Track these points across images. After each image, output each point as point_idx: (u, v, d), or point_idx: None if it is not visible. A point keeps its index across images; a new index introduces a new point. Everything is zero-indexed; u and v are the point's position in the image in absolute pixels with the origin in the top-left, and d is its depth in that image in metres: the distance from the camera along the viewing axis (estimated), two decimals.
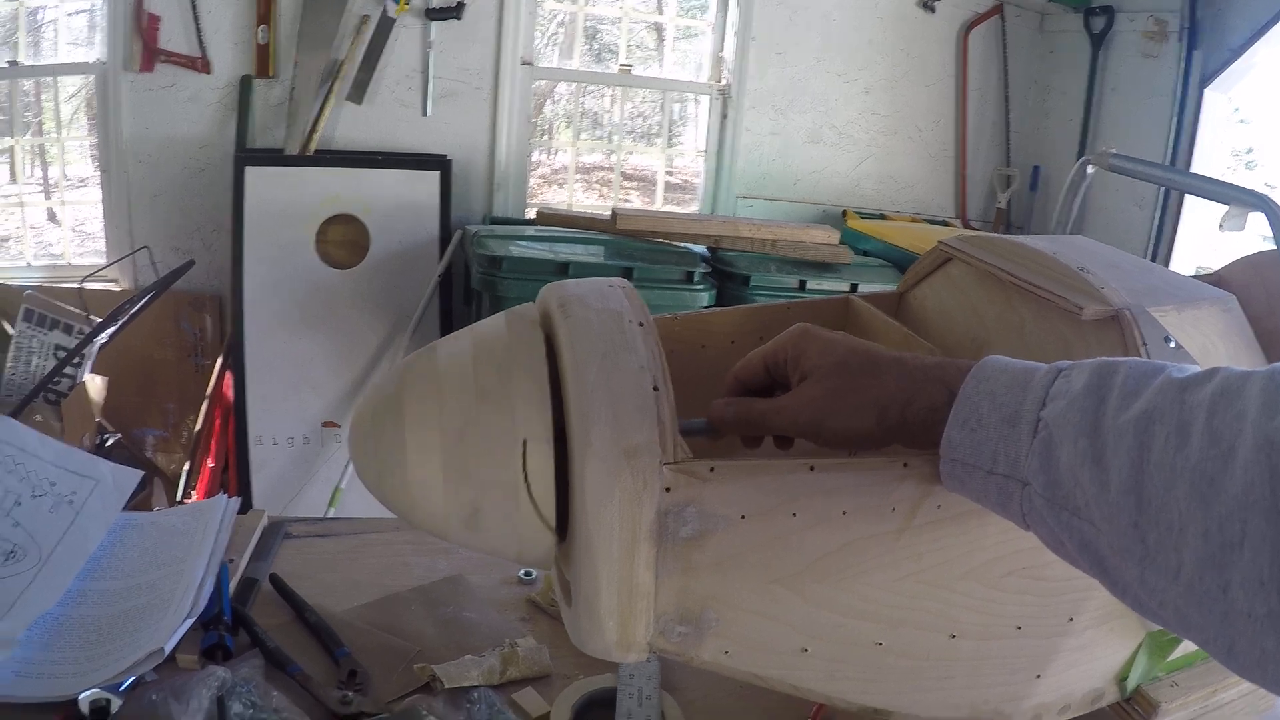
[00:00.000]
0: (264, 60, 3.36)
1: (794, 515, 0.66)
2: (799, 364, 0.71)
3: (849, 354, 0.69)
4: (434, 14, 3.45)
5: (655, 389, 0.66)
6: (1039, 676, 0.79)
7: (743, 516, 0.65)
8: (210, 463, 3.44)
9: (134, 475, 1.28)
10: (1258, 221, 1.97)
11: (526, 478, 0.68)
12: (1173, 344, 0.80)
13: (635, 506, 0.63)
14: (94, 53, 3.41)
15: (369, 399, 0.73)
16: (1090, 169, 2.28)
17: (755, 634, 0.70)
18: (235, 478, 3.38)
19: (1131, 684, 0.86)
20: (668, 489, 0.64)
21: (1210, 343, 0.86)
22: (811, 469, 0.66)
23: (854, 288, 3.10)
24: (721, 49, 3.92)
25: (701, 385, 0.86)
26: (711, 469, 0.64)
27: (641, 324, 0.71)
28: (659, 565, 0.65)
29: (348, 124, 3.50)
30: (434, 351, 0.74)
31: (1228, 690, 0.89)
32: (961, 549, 0.71)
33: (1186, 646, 0.87)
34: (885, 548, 0.69)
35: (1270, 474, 0.47)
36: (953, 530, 0.70)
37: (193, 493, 3.38)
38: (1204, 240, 3.52)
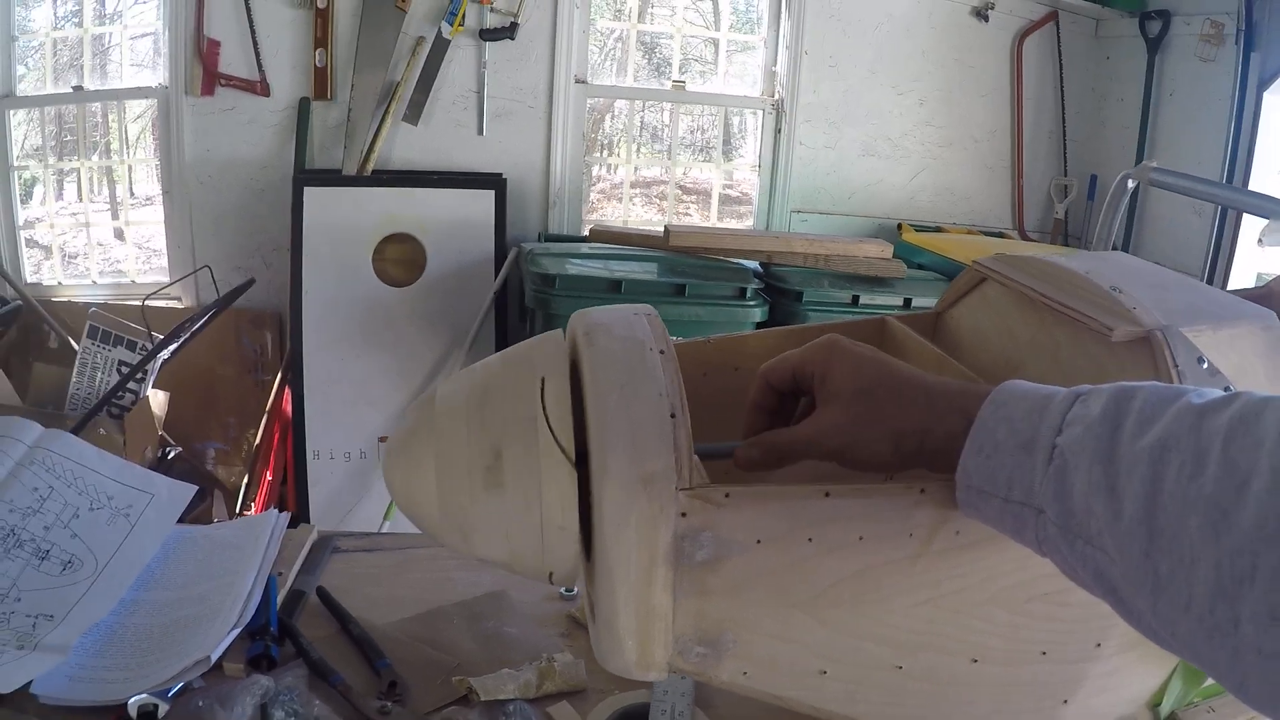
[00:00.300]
0: (322, 83, 3.43)
1: (810, 541, 0.67)
2: (825, 382, 0.71)
3: (875, 380, 0.69)
4: (488, 34, 3.50)
5: (673, 416, 0.67)
6: (1066, 702, 0.78)
7: (758, 541, 0.66)
8: (269, 476, 3.50)
9: (188, 490, 1.31)
10: None
11: (545, 410, 0.70)
12: (1205, 365, 0.78)
13: (652, 531, 0.64)
14: (157, 76, 3.50)
15: (405, 416, 0.77)
16: (1131, 184, 2.25)
17: (773, 656, 0.70)
18: (293, 491, 3.44)
19: (1165, 710, 0.84)
20: (684, 514, 0.64)
21: (1247, 363, 0.83)
22: (827, 495, 0.67)
23: (908, 302, 3.08)
24: (774, 63, 3.92)
25: (735, 407, 0.86)
26: (726, 495, 0.65)
27: (663, 351, 0.72)
28: (676, 588, 0.66)
29: (404, 144, 3.55)
30: (466, 369, 0.78)
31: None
32: (982, 574, 0.71)
33: None
34: (903, 573, 0.69)
35: None
36: (972, 556, 0.70)
37: (252, 505, 3.44)
38: (1265, 251, 3.45)
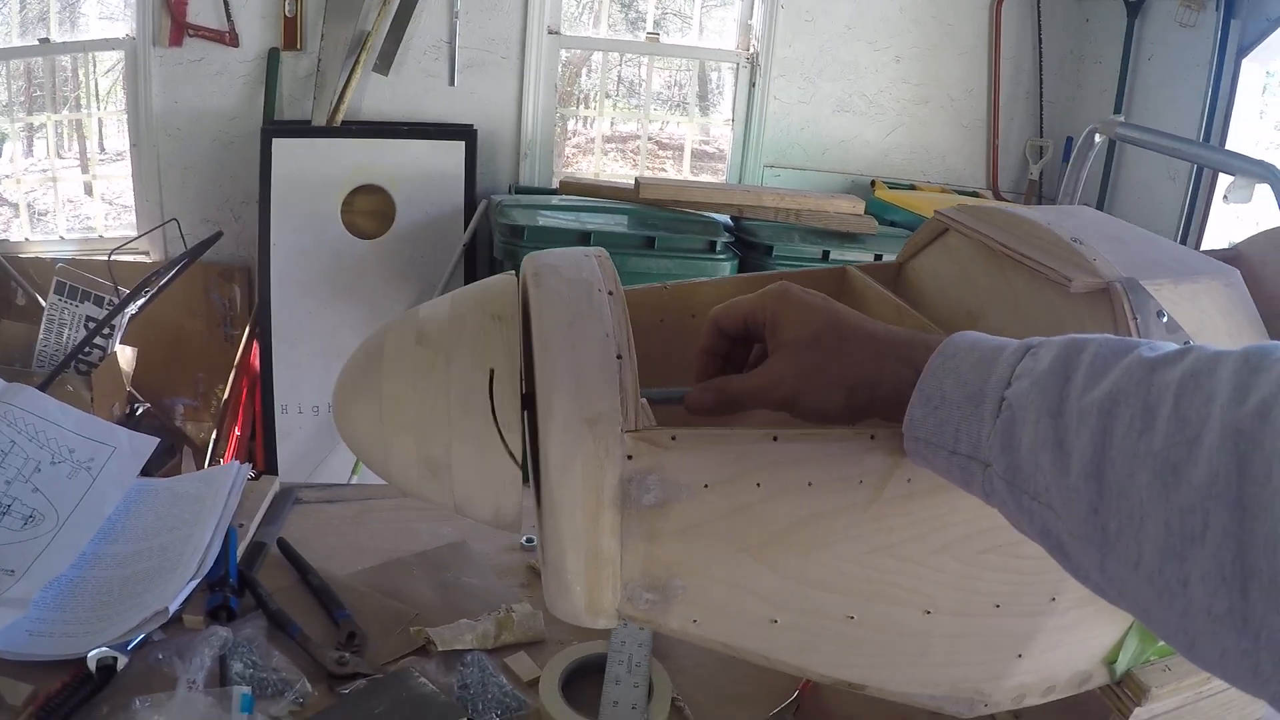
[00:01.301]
0: (291, 33, 3.38)
1: (758, 485, 0.66)
2: (776, 330, 0.70)
3: (824, 329, 0.68)
4: None
5: (619, 357, 0.66)
6: (1020, 656, 0.78)
7: (705, 485, 0.66)
8: (238, 431, 3.49)
9: (150, 442, 1.30)
10: (1264, 194, 1.93)
11: (494, 411, 0.69)
12: (1165, 319, 0.77)
13: (598, 473, 0.64)
14: (125, 27, 3.44)
15: (352, 356, 0.76)
16: (1097, 138, 2.25)
17: (723, 603, 0.70)
18: (262, 446, 3.43)
19: (1121, 667, 0.84)
20: (629, 456, 0.64)
21: (1208, 318, 0.82)
22: (775, 439, 0.66)
23: (878, 258, 3.07)
24: (750, 16, 3.89)
25: (689, 353, 0.85)
26: (673, 437, 0.65)
27: (611, 293, 0.71)
28: (623, 532, 0.65)
29: (374, 95, 3.51)
30: (415, 310, 0.77)
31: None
32: (934, 524, 0.71)
33: None
34: (854, 520, 0.69)
35: (1237, 464, 0.44)
36: (924, 504, 0.70)
37: (220, 460, 3.42)
38: (1238, 215, 3.46)
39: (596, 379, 0.65)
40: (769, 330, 0.71)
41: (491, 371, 0.70)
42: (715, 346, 0.77)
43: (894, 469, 0.68)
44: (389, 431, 0.72)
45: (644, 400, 0.67)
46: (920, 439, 0.63)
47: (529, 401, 0.70)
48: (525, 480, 0.71)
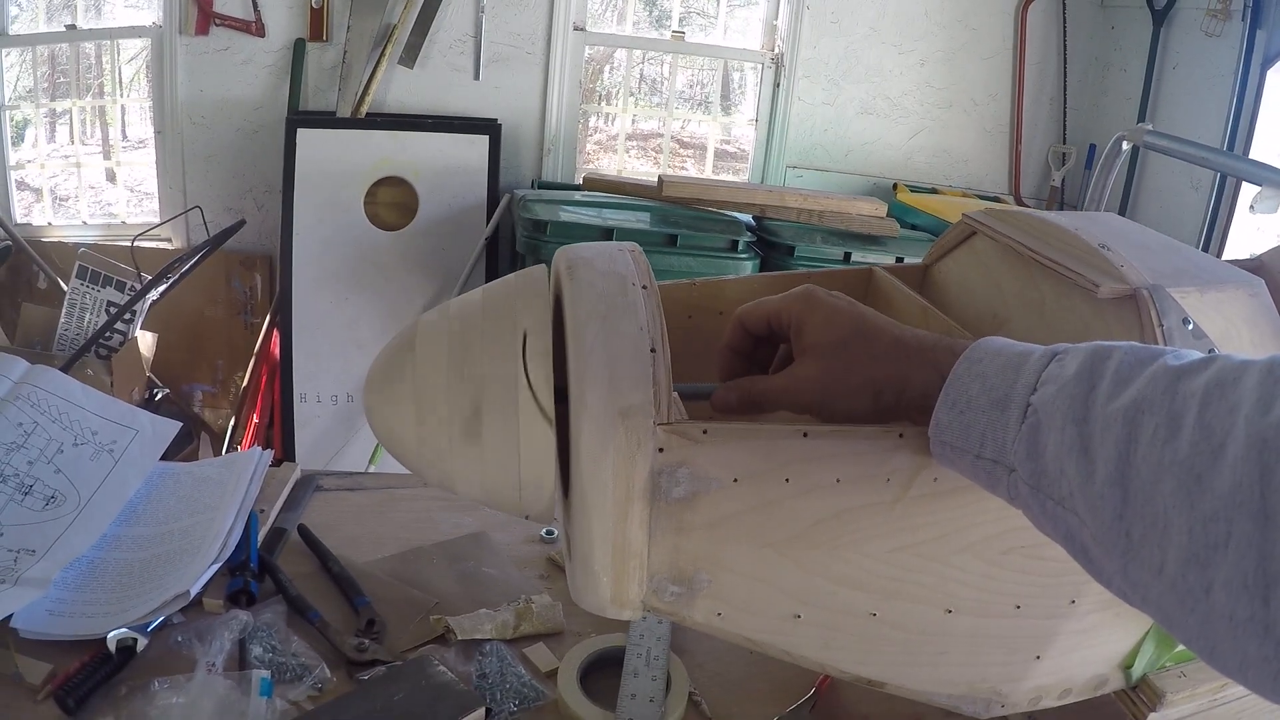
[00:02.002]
0: (318, 24, 3.39)
1: (787, 481, 0.67)
2: (801, 334, 0.71)
3: (850, 333, 0.69)
4: None
5: (653, 351, 0.66)
6: (1038, 658, 0.79)
7: (735, 480, 0.66)
8: (256, 418, 3.50)
9: (172, 426, 1.31)
10: None
11: (526, 369, 0.70)
12: (1191, 326, 0.77)
13: (629, 465, 0.64)
14: (151, 15, 3.46)
15: (385, 345, 0.76)
16: (1125, 145, 2.24)
17: (747, 597, 0.70)
18: (279, 434, 3.44)
19: (1137, 672, 0.84)
20: (661, 449, 0.64)
21: (1233, 327, 0.82)
22: (805, 435, 0.66)
23: (899, 261, 3.06)
24: (776, 17, 3.88)
25: (716, 350, 0.86)
26: (704, 431, 0.65)
27: (645, 287, 0.71)
28: (652, 524, 0.66)
29: (399, 88, 3.52)
30: (447, 303, 0.77)
31: (1237, 685, 0.88)
32: (959, 523, 0.71)
33: None
34: (880, 518, 0.69)
35: (1260, 474, 0.45)
36: (950, 504, 0.70)
37: (238, 447, 3.44)
38: (1259, 227, 3.44)
39: (630, 372, 0.65)
40: (794, 333, 0.72)
41: (525, 334, 0.70)
42: (739, 345, 0.78)
43: (921, 468, 0.68)
44: (423, 404, 0.72)
45: (675, 394, 0.67)
46: (946, 442, 0.63)
47: (561, 394, 0.70)
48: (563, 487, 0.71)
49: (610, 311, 0.68)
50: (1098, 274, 0.82)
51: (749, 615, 0.71)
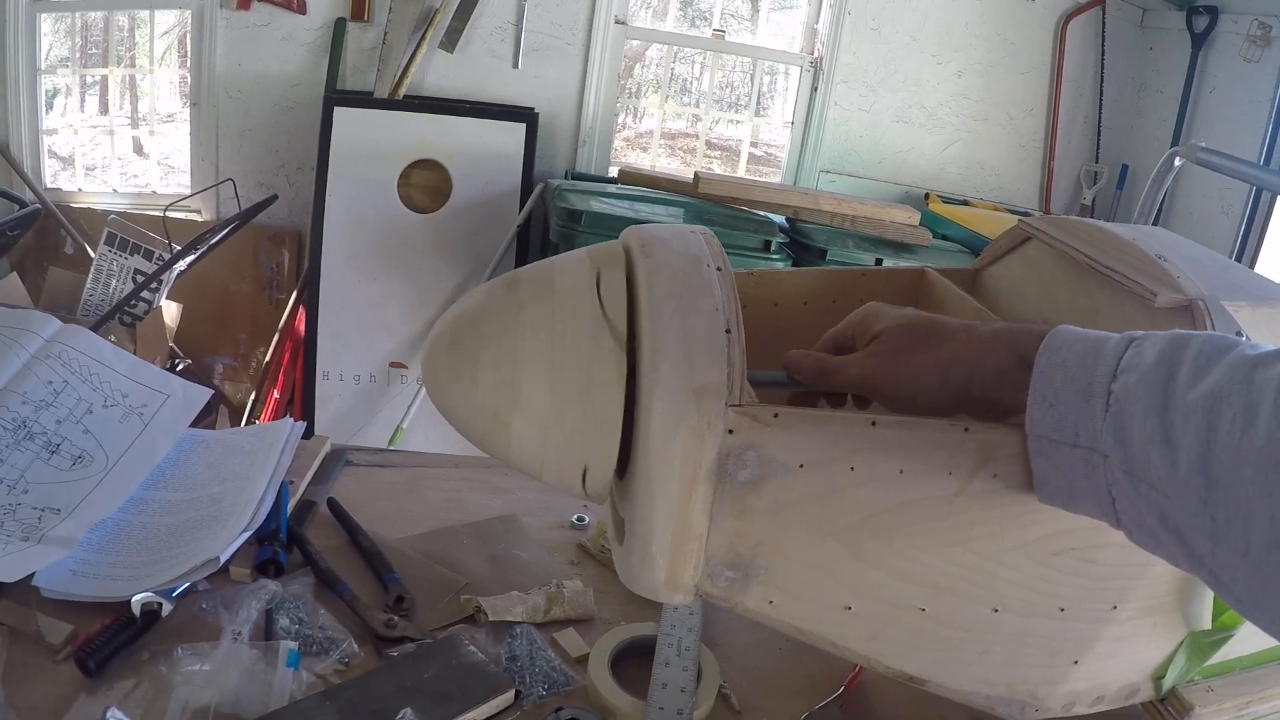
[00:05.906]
0: (359, 4, 3.39)
1: (852, 469, 0.66)
2: (867, 330, 0.72)
3: (917, 319, 0.70)
4: None
5: (728, 332, 0.66)
6: (1077, 663, 0.78)
7: (801, 465, 0.66)
8: (276, 394, 3.50)
9: (204, 393, 1.30)
10: None
11: (600, 293, 0.70)
12: (1244, 339, 0.78)
13: (698, 445, 0.63)
14: None
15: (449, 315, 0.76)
16: (1178, 162, 2.21)
17: (802, 586, 0.70)
18: (299, 410, 3.44)
19: (1168, 684, 0.84)
20: (730, 431, 0.64)
21: None
22: (873, 424, 0.66)
23: None
24: (816, 20, 3.87)
25: (772, 342, 0.86)
26: (775, 415, 0.65)
27: (719, 269, 0.71)
28: (714, 507, 0.65)
29: (438, 71, 3.52)
30: (514, 272, 0.77)
31: (1265, 703, 0.88)
32: (1014, 521, 0.71)
33: (1227, 651, 0.85)
34: (939, 511, 0.69)
35: None
36: (1006, 500, 0.69)
37: (256, 421, 3.44)
38: None
39: (705, 351, 0.65)
40: (860, 334, 0.73)
41: (599, 273, 0.70)
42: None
43: (983, 464, 0.68)
44: (499, 367, 0.71)
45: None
46: (1042, 436, 0.63)
47: (630, 374, 0.69)
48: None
49: (686, 290, 0.68)
50: (1155, 283, 0.83)
51: (802, 603, 0.71)
